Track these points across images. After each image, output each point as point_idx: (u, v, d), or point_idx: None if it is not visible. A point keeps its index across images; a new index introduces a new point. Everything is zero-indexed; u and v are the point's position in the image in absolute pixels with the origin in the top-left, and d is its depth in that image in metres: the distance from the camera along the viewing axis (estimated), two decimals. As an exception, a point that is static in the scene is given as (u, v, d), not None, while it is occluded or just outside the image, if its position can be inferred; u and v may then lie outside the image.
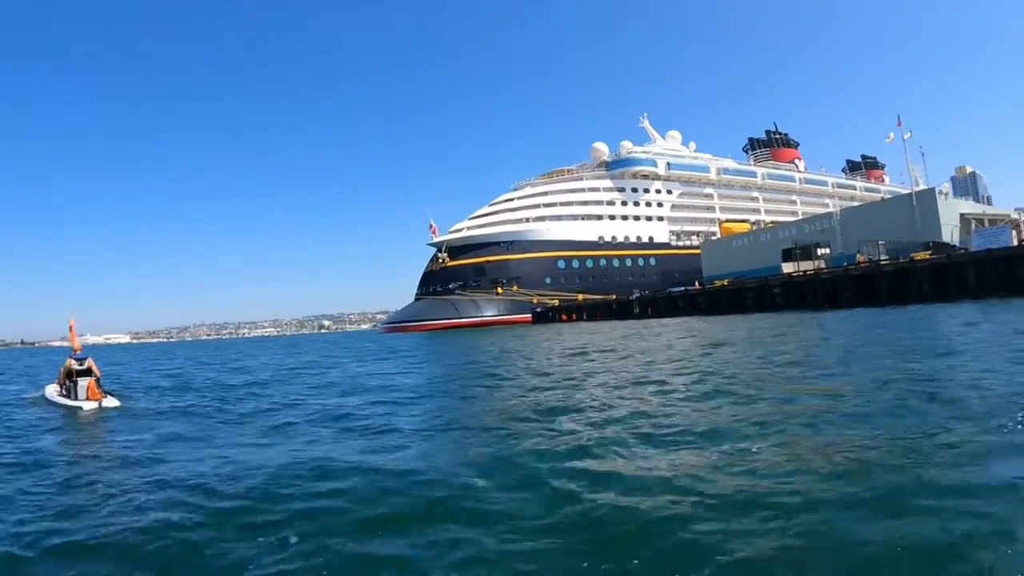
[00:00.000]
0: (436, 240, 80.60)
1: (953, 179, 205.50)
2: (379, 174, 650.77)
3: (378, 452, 6.46)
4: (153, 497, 5.18)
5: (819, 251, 49.20)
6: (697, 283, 61.81)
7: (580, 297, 70.44)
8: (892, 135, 60.28)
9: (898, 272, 35.88)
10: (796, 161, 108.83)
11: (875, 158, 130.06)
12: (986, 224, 57.55)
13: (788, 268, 46.98)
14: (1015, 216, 64.75)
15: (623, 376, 11.83)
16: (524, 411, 8.36)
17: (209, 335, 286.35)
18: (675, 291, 56.69)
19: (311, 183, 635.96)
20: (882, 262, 40.09)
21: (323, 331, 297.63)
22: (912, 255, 37.58)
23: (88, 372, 12.47)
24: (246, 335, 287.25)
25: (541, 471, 5.13)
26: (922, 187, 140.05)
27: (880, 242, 45.75)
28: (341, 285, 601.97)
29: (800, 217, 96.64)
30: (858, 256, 44.97)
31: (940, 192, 54.48)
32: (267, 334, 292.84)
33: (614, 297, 65.12)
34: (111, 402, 12.09)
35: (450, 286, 75.47)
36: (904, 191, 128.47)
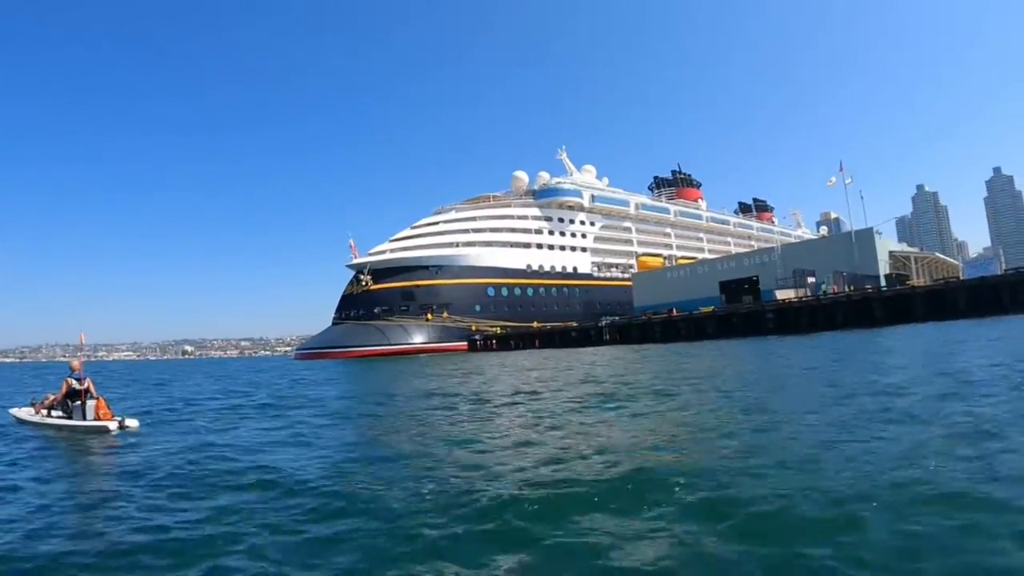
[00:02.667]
0: (357, 262, 75.74)
1: (818, 223, 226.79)
2: (258, 198, 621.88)
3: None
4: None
5: (809, 280, 50.94)
6: (668, 312, 60.01)
7: (536, 324, 68.50)
8: (834, 179, 63.98)
9: (897, 296, 39.81)
10: (699, 200, 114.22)
11: (765, 201, 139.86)
12: (913, 260, 62.75)
13: (782, 295, 48.97)
14: (934, 255, 71.52)
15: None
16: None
17: (63, 357, 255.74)
18: (656, 315, 54.57)
19: (178, 202, 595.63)
20: (851, 291, 44.26)
21: (186, 356, 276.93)
22: (909, 282, 40.92)
23: (88, 392, 11.91)
24: (104, 358, 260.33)
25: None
26: (803, 229, 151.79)
27: (843, 273, 48.92)
28: (203, 309, 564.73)
29: (706, 254, 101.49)
30: (832, 286, 48.22)
31: (877, 232, 58.73)
32: (126, 358, 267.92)
33: (574, 324, 64.07)
34: (131, 422, 11.35)
35: (375, 310, 70.97)
36: (793, 231, 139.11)
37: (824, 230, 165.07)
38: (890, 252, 61.42)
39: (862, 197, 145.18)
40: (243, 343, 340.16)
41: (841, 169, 64.05)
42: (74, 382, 12.04)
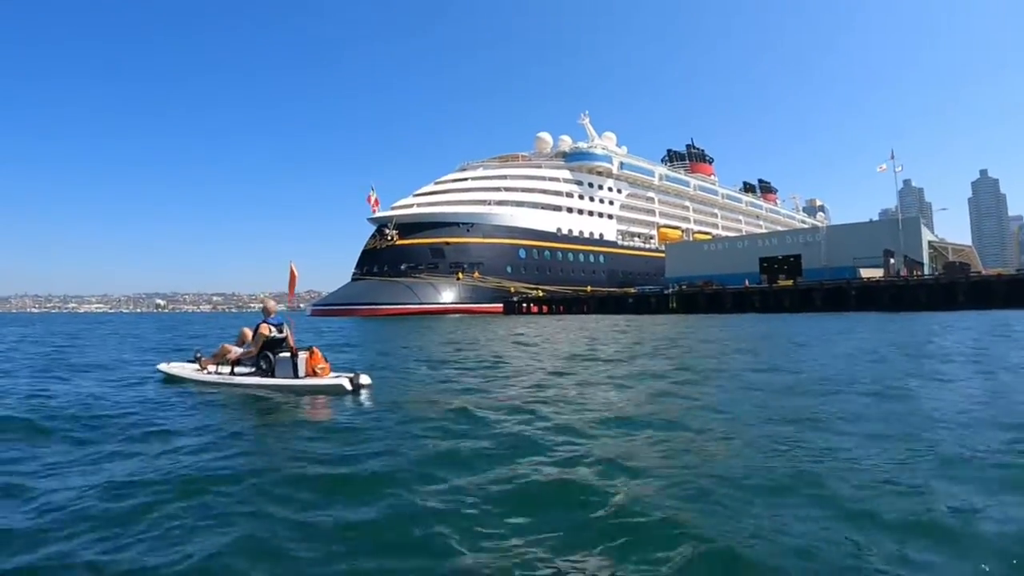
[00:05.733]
0: (380, 215, 72.49)
1: (804, 208, 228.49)
2: (224, 150, 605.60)
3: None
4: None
5: (890, 261, 50.55)
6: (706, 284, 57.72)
7: (589, 289, 66.13)
8: (884, 165, 62.75)
9: (982, 282, 40.79)
10: (712, 176, 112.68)
11: (769, 183, 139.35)
12: (950, 253, 62.33)
13: (866, 274, 48.57)
14: (969, 247, 71.21)
15: None
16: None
17: (35, 308, 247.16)
18: (730, 287, 52.38)
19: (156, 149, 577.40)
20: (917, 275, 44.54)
21: (159, 311, 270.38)
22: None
23: (285, 342, 9.06)
24: (74, 310, 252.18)
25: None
26: (802, 214, 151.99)
27: (905, 257, 49.00)
28: (173, 261, 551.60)
29: (719, 230, 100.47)
30: (902, 269, 48.86)
31: (923, 222, 58.56)
32: (97, 310, 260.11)
33: (631, 290, 62.44)
34: (364, 378, 8.32)
35: (401, 267, 68.01)
36: (796, 213, 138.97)
37: (821, 216, 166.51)
38: (928, 242, 61.19)
39: (906, 182, 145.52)
40: (215, 298, 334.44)
41: (892, 157, 63.17)
42: (273, 328, 9.01)
